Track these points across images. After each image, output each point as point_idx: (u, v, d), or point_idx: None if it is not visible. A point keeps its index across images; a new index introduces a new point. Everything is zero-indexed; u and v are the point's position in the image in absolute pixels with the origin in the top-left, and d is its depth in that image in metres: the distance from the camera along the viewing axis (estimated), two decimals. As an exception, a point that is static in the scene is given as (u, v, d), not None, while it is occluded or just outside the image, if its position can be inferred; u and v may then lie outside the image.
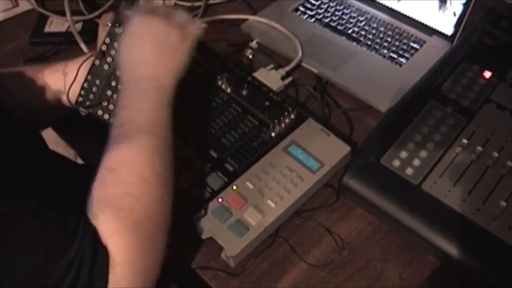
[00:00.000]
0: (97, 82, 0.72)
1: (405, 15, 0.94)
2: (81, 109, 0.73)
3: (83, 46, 0.89)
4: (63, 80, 0.73)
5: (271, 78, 0.84)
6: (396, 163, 0.68)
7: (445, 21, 0.89)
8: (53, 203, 0.52)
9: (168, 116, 0.62)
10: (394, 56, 0.90)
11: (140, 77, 0.62)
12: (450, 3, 0.88)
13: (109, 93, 0.72)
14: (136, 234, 0.54)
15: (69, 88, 0.72)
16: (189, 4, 1.01)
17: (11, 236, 0.49)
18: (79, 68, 0.71)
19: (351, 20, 0.96)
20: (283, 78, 0.86)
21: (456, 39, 0.88)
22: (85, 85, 0.73)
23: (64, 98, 0.74)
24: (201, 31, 0.68)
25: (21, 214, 0.50)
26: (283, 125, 0.75)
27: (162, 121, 0.61)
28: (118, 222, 0.53)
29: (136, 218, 0.54)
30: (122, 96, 0.62)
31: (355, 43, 0.93)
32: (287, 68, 0.87)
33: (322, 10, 0.99)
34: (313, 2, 1.00)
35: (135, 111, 0.60)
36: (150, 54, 0.63)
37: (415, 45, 0.91)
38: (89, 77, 0.73)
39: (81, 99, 0.73)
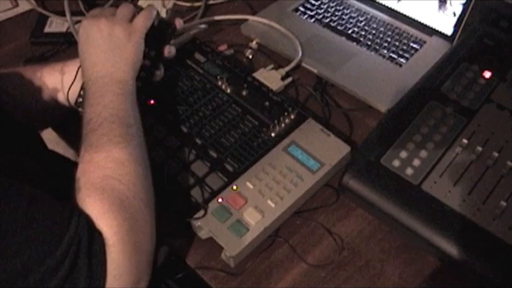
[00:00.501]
0: None
1: (405, 16, 0.94)
2: (80, 109, 0.73)
3: None
4: (62, 80, 0.74)
5: (271, 78, 0.84)
6: (396, 163, 0.68)
7: (445, 22, 0.90)
8: (48, 192, 0.54)
9: (131, 105, 0.65)
10: (394, 56, 0.90)
11: (95, 77, 0.65)
12: (450, 3, 0.88)
13: None
14: (124, 211, 0.55)
15: (69, 88, 0.73)
16: (189, 4, 1.01)
17: (7, 223, 0.49)
18: (78, 68, 0.72)
19: (350, 20, 0.96)
20: (283, 78, 0.86)
21: (456, 39, 0.88)
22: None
23: (63, 98, 0.74)
24: (149, 20, 0.70)
25: (17, 201, 0.51)
26: (283, 125, 0.75)
27: (125, 110, 0.63)
28: (104, 201, 0.55)
29: (121, 196, 0.56)
30: (85, 97, 0.65)
31: (355, 43, 0.93)
32: (287, 68, 0.87)
33: (322, 10, 0.99)
34: (313, 2, 1.01)
35: (97, 106, 0.63)
36: (98, 55, 0.66)
37: (415, 46, 0.91)
38: None
39: (80, 99, 0.73)
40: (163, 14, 0.74)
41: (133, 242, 0.55)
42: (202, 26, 0.89)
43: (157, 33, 0.72)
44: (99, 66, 0.65)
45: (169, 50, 0.74)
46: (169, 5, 0.75)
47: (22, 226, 0.50)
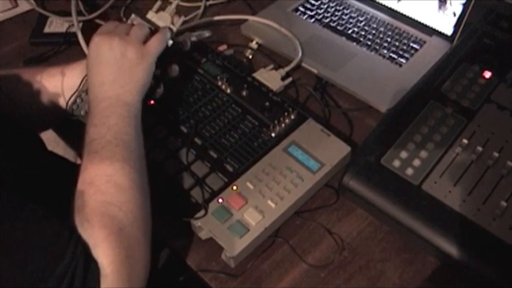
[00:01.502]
0: None
1: (405, 16, 0.94)
2: (75, 118, 0.73)
3: (84, 47, 0.87)
4: (62, 83, 0.73)
5: (271, 78, 0.84)
6: (396, 163, 0.68)
7: (445, 21, 0.90)
8: (48, 210, 0.53)
9: (136, 129, 0.64)
10: (394, 56, 0.90)
11: (102, 97, 0.64)
12: (450, 3, 0.88)
13: None
14: (121, 240, 0.55)
15: (70, 98, 0.72)
16: (189, 4, 1.01)
17: (3, 246, 0.49)
18: (83, 79, 0.71)
19: (350, 20, 0.96)
20: (283, 78, 0.86)
21: (456, 39, 0.88)
22: (82, 95, 0.73)
23: (63, 101, 0.73)
24: (163, 43, 0.69)
25: (15, 225, 0.50)
26: (283, 125, 0.75)
27: (129, 134, 0.62)
28: (103, 229, 0.54)
29: (120, 224, 0.55)
30: (89, 115, 0.64)
31: (355, 43, 0.93)
32: (287, 69, 0.87)
33: (322, 10, 0.99)
34: (313, 2, 1.00)
35: (102, 127, 0.61)
36: (108, 75, 0.65)
37: (415, 46, 0.91)
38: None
39: (75, 107, 0.72)
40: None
41: (128, 271, 0.54)
42: (207, 34, 0.88)
43: (167, 54, 0.71)
44: (106, 86, 0.64)
45: (174, 69, 0.74)
46: (178, 23, 0.74)
47: (17, 249, 0.49)
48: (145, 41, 0.69)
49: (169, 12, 0.75)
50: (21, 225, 0.50)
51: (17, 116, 0.70)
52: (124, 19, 0.99)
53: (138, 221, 0.58)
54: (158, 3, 0.76)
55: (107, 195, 0.57)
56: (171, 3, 0.77)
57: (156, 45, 0.68)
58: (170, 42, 0.71)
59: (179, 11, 0.99)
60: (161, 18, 0.74)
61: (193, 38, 0.86)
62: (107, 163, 0.59)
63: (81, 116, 0.73)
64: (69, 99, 0.72)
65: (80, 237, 0.53)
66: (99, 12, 0.97)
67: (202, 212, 0.66)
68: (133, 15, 0.73)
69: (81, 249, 0.52)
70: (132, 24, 0.72)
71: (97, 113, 0.63)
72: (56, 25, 0.98)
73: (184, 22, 0.95)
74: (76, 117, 0.73)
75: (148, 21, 0.73)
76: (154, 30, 0.71)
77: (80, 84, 0.71)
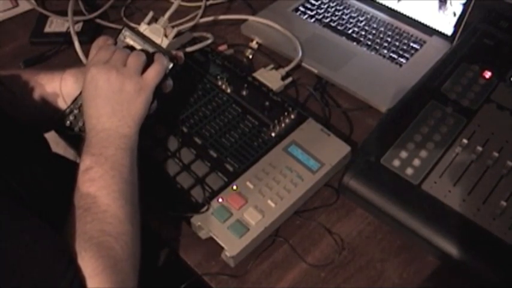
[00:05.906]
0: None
1: (405, 15, 0.94)
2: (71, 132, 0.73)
3: (78, 50, 0.84)
4: (60, 90, 0.73)
5: (271, 78, 0.84)
6: (396, 163, 0.68)
7: (445, 21, 0.90)
8: (48, 230, 0.53)
9: (133, 161, 0.63)
10: (394, 56, 0.90)
11: (101, 128, 0.63)
12: (450, 3, 0.88)
13: None
14: (116, 274, 0.55)
15: (63, 113, 0.72)
16: (189, 4, 1.01)
17: (2, 263, 0.48)
18: (78, 96, 0.71)
19: (351, 20, 0.96)
20: (283, 78, 0.86)
21: (456, 39, 0.88)
22: (75, 111, 0.73)
23: (63, 104, 0.73)
24: (161, 74, 0.68)
25: (18, 240, 0.50)
26: (283, 125, 0.75)
27: (126, 166, 0.62)
28: (100, 260, 0.54)
29: (116, 257, 0.56)
30: (86, 144, 0.63)
31: (355, 43, 0.93)
32: (287, 68, 0.87)
33: (322, 10, 0.99)
34: (313, 2, 1.01)
35: (99, 157, 0.61)
36: (106, 108, 0.64)
37: (415, 45, 0.91)
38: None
39: (68, 122, 0.73)
40: (164, 44, 0.72)
41: None
42: (209, 40, 0.87)
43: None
44: (104, 118, 0.63)
45: (168, 85, 0.72)
46: (171, 35, 0.72)
47: (16, 266, 0.49)
48: (143, 70, 0.67)
49: (161, 23, 0.72)
50: (24, 241, 0.50)
51: (22, 116, 0.70)
52: (124, 19, 0.99)
53: (131, 257, 0.58)
54: (150, 15, 0.73)
55: (104, 225, 0.57)
56: (163, 14, 0.73)
57: (154, 76, 0.67)
58: (170, 65, 0.69)
59: (179, 11, 0.99)
60: (153, 31, 0.71)
61: (196, 47, 0.85)
62: (104, 193, 0.58)
63: (76, 132, 0.73)
64: (63, 113, 0.72)
65: (77, 270, 0.53)
66: (99, 12, 0.97)
67: (202, 212, 0.66)
68: (124, 30, 0.71)
69: (77, 284, 0.52)
70: (129, 46, 0.70)
71: (95, 143, 0.62)
72: (56, 25, 0.98)
73: (183, 23, 0.96)
74: (71, 132, 0.73)
75: (140, 34, 0.71)
76: (152, 54, 0.69)
77: (72, 102, 0.71)
